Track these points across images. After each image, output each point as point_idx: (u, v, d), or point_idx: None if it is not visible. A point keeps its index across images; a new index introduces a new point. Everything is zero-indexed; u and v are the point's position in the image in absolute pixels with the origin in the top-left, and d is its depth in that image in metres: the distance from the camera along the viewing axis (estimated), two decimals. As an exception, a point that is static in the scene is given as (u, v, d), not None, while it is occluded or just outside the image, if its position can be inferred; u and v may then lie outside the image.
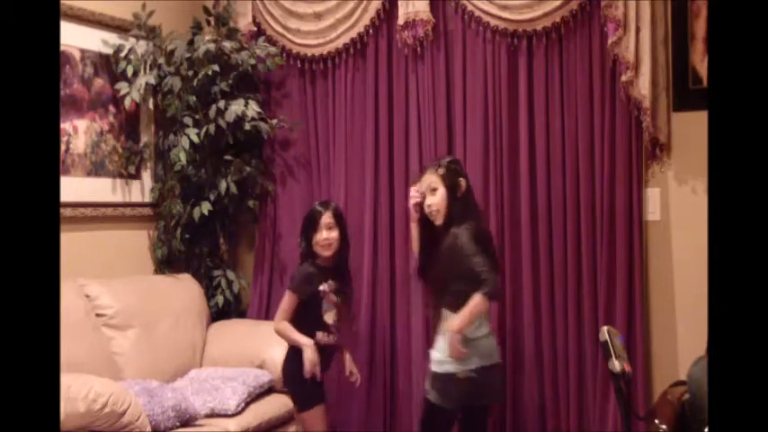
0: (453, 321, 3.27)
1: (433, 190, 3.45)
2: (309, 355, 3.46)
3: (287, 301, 3.58)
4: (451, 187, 3.44)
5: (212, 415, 3.62)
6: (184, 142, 4.22)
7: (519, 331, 4.02)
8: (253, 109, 4.33)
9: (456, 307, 3.29)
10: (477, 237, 3.36)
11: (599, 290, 3.89)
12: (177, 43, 4.31)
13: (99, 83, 4.12)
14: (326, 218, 3.59)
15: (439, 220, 3.45)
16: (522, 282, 4.01)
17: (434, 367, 3.38)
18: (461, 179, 3.47)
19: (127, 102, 4.17)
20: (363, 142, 4.35)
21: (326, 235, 3.57)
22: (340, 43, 4.37)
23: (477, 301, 3.22)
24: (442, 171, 3.46)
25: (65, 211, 3.82)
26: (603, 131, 3.89)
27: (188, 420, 3.46)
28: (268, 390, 3.92)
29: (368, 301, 4.27)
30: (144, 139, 4.37)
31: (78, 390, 2.95)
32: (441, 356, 3.34)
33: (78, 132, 3.99)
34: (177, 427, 3.39)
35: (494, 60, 4.06)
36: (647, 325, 3.90)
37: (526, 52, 4.02)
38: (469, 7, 4.08)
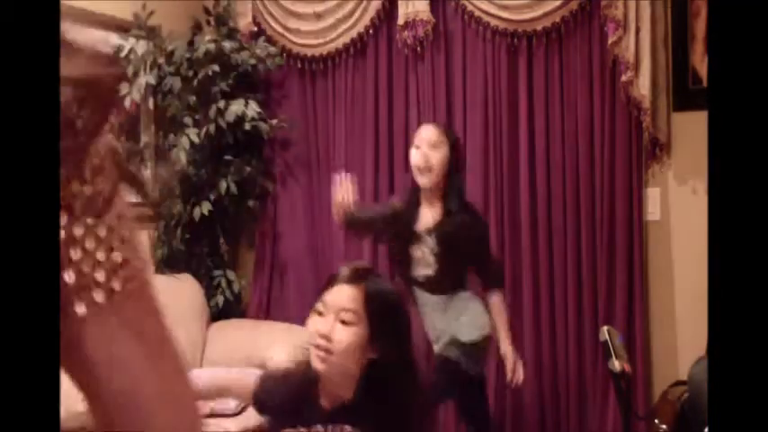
0: (508, 345, 3.22)
1: (434, 146, 3.15)
2: None
3: None
4: (456, 150, 3.20)
5: (212, 415, 3.62)
6: (184, 142, 4.22)
7: (519, 331, 4.02)
8: (253, 109, 4.33)
9: (449, 291, 3.17)
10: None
11: (599, 290, 3.89)
12: (177, 43, 4.31)
13: (99, 83, 4.12)
14: (339, 295, 1.87)
15: (426, 180, 3.13)
16: (521, 282, 4.01)
17: (467, 337, 3.15)
18: (461, 147, 3.35)
19: (127, 102, 4.17)
20: (363, 142, 4.35)
21: (324, 328, 1.85)
22: (340, 43, 4.37)
23: (500, 300, 3.22)
24: (450, 131, 3.26)
25: (65, 211, 3.82)
26: (603, 131, 3.89)
27: (188, 420, 3.46)
28: (268, 390, 3.93)
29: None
30: (144, 139, 4.37)
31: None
32: (470, 330, 3.15)
33: (78, 132, 3.99)
34: (177, 427, 3.39)
35: (494, 60, 4.06)
36: (647, 325, 3.90)
37: (526, 52, 4.02)
38: (469, 7, 4.08)
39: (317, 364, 1.86)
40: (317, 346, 1.85)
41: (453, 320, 3.18)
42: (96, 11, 4.07)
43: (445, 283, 3.18)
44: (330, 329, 1.84)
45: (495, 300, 3.23)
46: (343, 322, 1.85)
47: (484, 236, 3.23)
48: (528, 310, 3.99)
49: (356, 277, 1.90)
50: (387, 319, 1.90)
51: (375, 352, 1.86)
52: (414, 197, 3.22)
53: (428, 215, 3.19)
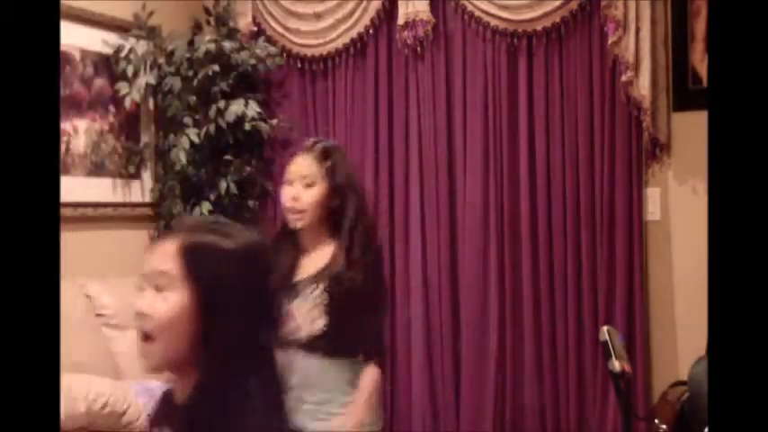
0: (353, 414, 2.55)
1: (308, 182, 2.62)
2: None
3: None
4: (338, 178, 2.63)
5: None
6: (184, 142, 4.21)
7: (519, 331, 4.02)
8: (253, 109, 4.32)
9: (344, 355, 2.59)
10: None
11: (599, 290, 3.89)
12: (177, 43, 4.30)
13: (99, 83, 4.12)
14: (153, 257, 1.44)
15: (300, 223, 2.62)
16: (522, 282, 4.01)
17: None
18: (351, 175, 2.71)
19: (127, 102, 4.16)
20: (363, 142, 4.35)
21: (142, 304, 1.46)
22: (340, 43, 4.37)
23: (375, 376, 2.60)
24: (328, 164, 2.63)
25: (65, 211, 3.82)
26: (603, 131, 3.89)
27: (188, 420, 3.46)
28: (268, 390, 3.92)
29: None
30: (144, 139, 4.36)
31: (78, 390, 2.95)
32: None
33: (78, 132, 3.99)
34: (177, 427, 3.39)
35: (494, 60, 4.06)
36: (647, 325, 3.90)
37: (526, 52, 4.02)
38: (469, 7, 4.08)
39: (141, 354, 1.43)
40: (139, 331, 1.42)
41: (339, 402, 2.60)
42: (96, 11, 4.07)
43: (340, 342, 2.58)
44: (148, 304, 1.41)
45: (372, 374, 2.61)
46: (159, 289, 1.40)
47: (378, 290, 2.67)
48: (528, 309, 3.98)
49: (178, 229, 1.42)
50: (213, 277, 1.36)
51: (206, 326, 1.36)
52: (290, 240, 2.66)
53: (312, 261, 2.64)
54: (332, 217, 2.63)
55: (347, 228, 2.60)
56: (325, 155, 2.65)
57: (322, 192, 2.61)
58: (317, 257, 2.63)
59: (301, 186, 2.62)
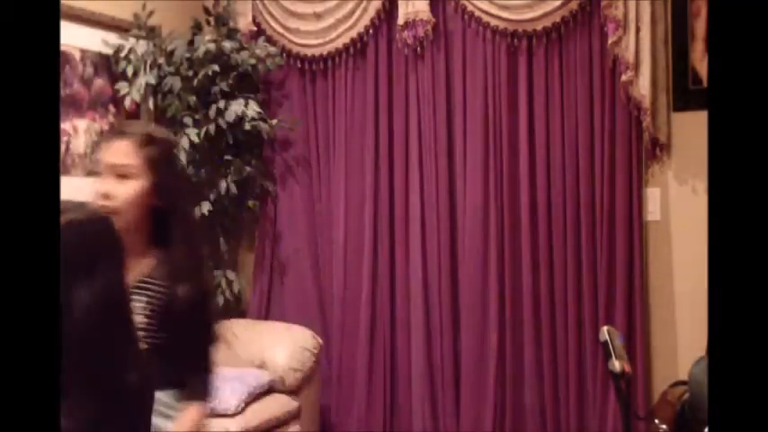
0: None
1: (123, 174, 2.10)
2: None
3: None
4: (161, 181, 2.11)
5: (212, 415, 3.62)
6: (184, 142, 4.21)
7: (519, 331, 4.02)
8: (253, 109, 4.32)
9: (161, 385, 2.00)
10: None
11: (599, 290, 3.89)
12: (177, 43, 4.30)
13: (99, 83, 4.12)
14: None
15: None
16: (522, 282, 4.01)
17: None
18: (180, 171, 2.26)
19: (127, 102, 4.16)
20: (363, 142, 4.35)
21: None
22: (340, 43, 4.37)
23: (199, 413, 2.19)
24: (151, 151, 2.10)
25: (65, 211, 3.82)
26: (603, 131, 3.89)
27: (188, 420, 3.46)
28: (268, 390, 3.92)
29: (368, 300, 4.27)
30: (144, 139, 4.36)
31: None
32: None
33: (78, 132, 3.99)
34: (177, 427, 3.39)
35: (494, 60, 4.06)
36: (647, 325, 3.90)
37: (526, 52, 4.02)
38: (469, 7, 4.08)
39: None
40: None
41: None
42: (96, 11, 4.07)
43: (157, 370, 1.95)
44: None
45: (194, 413, 2.20)
46: None
47: (201, 311, 2.12)
48: (528, 309, 3.99)
49: None
50: None
51: None
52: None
53: (136, 266, 2.11)
54: (152, 221, 2.11)
55: (172, 236, 2.10)
56: (146, 141, 2.12)
57: (141, 187, 2.10)
58: (133, 271, 2.06)
59: (114, 179, 2.11)
